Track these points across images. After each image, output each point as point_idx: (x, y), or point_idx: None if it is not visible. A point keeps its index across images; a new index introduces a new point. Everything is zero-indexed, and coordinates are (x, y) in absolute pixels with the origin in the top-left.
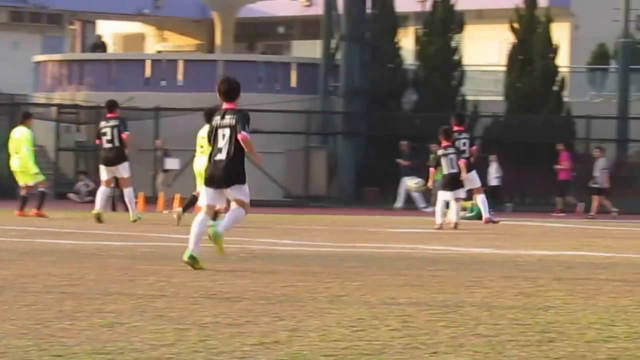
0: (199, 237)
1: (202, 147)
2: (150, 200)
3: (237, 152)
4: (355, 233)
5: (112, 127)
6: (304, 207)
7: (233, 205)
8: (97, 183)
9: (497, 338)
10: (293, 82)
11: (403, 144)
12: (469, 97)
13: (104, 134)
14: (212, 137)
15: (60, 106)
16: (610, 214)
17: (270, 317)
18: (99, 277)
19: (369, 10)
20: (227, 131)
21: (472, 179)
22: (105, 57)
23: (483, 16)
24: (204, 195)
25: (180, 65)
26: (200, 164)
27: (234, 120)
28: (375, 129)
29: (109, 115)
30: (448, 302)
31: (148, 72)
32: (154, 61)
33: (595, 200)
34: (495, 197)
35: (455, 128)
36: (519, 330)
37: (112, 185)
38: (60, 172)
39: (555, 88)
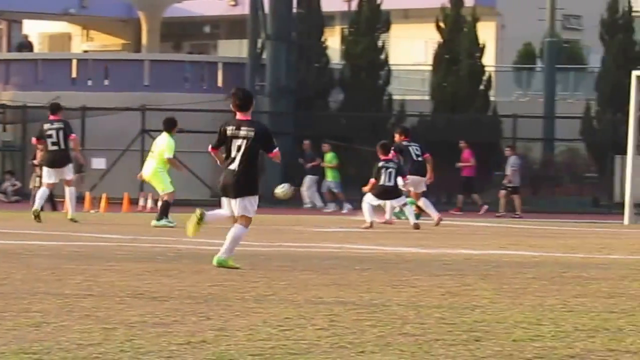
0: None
1: (152, 152)
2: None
3: (250, 163)
4: (282, 232)
5: (58, 129)
6: None
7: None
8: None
9: (424, 337)
10: (219, 81)
11: (305, 143)
12: (395, 97)
13: (49, 136)
14: (225, 146)
15: None
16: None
17: (197, 317)
18: (25, 277)
19: (295, 10)
20: (243, 142)
21: (417, 183)
22: (31, 57)
23: (409, 15)
24: (225, 205)
25: (107, 64)
26: (148, 168)
27: (252, 133)
28: (302, 129)
29: (52, 117)
30: (375, 301)
31: (74, 71)
32: (80, 61)
33: (516, 200)
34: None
35: (401, 138)
36: (446, 329)
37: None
38: None
39: (481, 87)
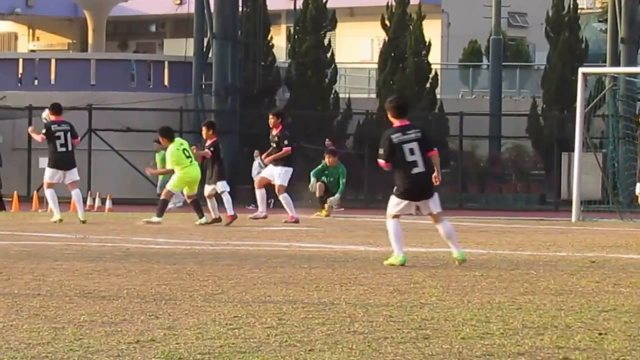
0: (401, 239)
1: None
2: (25, 200)
3: (429, 163)
4: (230, 231)
5: (65, 131)
6: None
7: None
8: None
9: (372, 335)
10: (166, 80)
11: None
12: (341, 95)
13: (58, 137)
14: (397, 153)
15: None
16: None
17: (146, 316)
18: None
19: (240, 9)
20: (416, 145)
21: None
22: None
23: (355, 13)
24: (396, 205)
25: (53, 64)
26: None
27: (419, 134)
28: (248, 127)
29: (58, 118)
30: (323, 299)
31: (21, 71)
32: (26, 60)
33: None
34: None
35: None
36: (395, 327)
37: None
38: None
39: (427, 85)
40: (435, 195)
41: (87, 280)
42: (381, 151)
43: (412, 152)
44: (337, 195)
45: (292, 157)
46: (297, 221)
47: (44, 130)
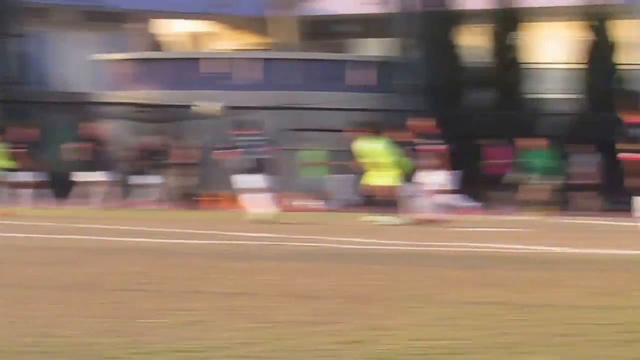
0: None
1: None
2: None
3: None
4: (425, 232)
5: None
6: None
7: None
8: None
9: (581, 337)
10: (359, 80)
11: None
12: (538, 95)
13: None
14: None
15: (125, 104)
16: None
17: (352, 316)
18: (177, 275)
19: (432, 8)
20: None
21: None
22: (170, 56)
23: (548, 13)
24: None
25: (245, 63)
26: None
27: None
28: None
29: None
30: (527, 301)
31: (207, 70)
32: (220, 59)
33: None
34: None
35: None
36: (608, 330)
37: None
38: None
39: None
40: None
41: (292, 279)
42: None
43: None
44: None
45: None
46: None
47: None
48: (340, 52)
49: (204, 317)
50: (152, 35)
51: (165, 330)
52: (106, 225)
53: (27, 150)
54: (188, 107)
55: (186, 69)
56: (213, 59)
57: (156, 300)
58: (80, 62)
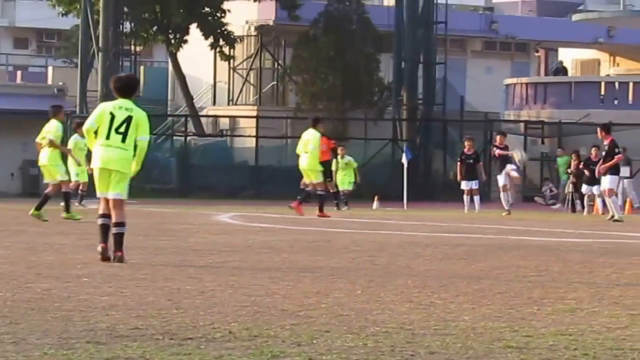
0: None
1: None
2: None
3: None
4: None
5: None
6: None
7: None
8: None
9: None
10: None
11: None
12: None
13: None
14: None
15: (527, 122)
16: None
17: None
18: (561, 269)
19: None
20: None
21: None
22: (565, 80)
23: None
24: None
25: (631, 86)
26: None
27: None
28: None
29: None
30: None
31: (602, 92)
32: (607, 83)
33: None
34: None
35: None
36: None
37: None
38: (528, 179)
39: None
40: None
41: None
42: None
43: None
44: None
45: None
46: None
47: None
48: None
49: (584, 306)
50: (555, 62)
51: (551, 316)
52: (494, 225)
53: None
54: (575, 123)
55: (576, 91)
56: (599, 82)
57: (542, 291)
58: (491, 85)
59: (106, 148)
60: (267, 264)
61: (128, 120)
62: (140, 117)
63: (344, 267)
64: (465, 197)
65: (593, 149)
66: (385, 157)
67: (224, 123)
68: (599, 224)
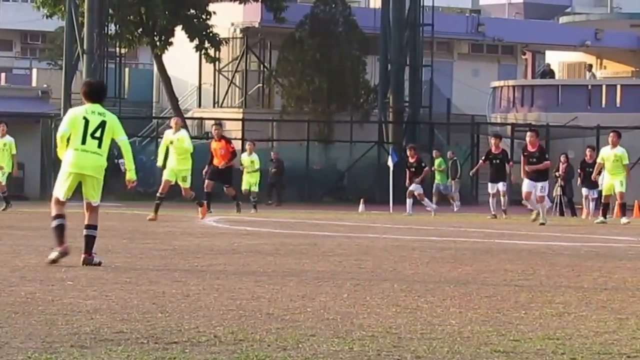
0: None
1: None
2: None
3: None
4: None
5: None
6: None
7: None
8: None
9: None
10: None
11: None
12: None
13: None
14: None
15: (514, 125)
16: None
17: None
18: (549, 273)
19: None
20: None
21: None
22: (552, 83)
23: None
24: None
25: (619, 89)
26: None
27: None
28: None
29: None
30: None
31: (589, 95)
32: (594, 86)
33: None
34: None
35: None
36: None
37: None
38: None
39: None
40: None
41: None
42: None
43: None
44: None
45: None
46: None
47: None
48: None
49: (571, 310)
50: (542, 65)
51: (538, 320)
52: (480, 229)
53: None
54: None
55: (564, 94)
56: (586, 86)
57: (530, 295)
58: (478, 88)
59: (82, 153)
60: (253, 268)
61: (102, 125)
62: (113, 120)
63: (330, 270)
64: (491, 200)
65: (588, 150)
66: (371, 160)
67: (210, 125)
68: (586, 227)
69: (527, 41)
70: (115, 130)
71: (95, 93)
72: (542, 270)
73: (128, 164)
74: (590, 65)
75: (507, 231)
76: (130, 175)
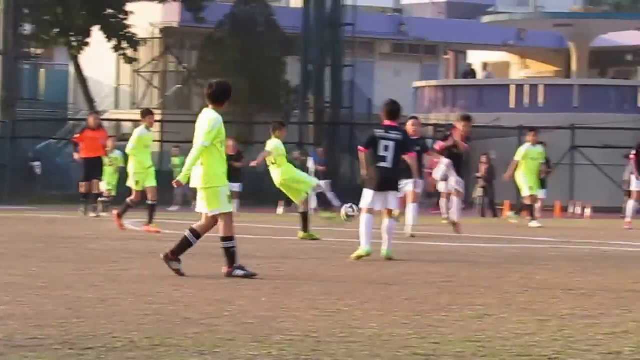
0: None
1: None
2: None
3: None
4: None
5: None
6: None
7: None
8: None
9: None
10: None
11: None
12: None
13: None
14: None
15: (436, 125)
16: None
17: (621, 310)
18: (470, 275)
19: None
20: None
21: None
22: (475, 83)
23: None
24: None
25: (541, 89)
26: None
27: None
28: None
29: None
30: None
31: (512, 95)
32: (517, 86)
33: None
34: None
35: None
36: None
37: None
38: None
39: None
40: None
41: (568, 278)
42: None
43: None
44: None
45: None
46: None
47: None
48: (627, 78)
49: (492, 312)
50: (464, 65)
51: (459, 323)
52: (401, 231)
53: None
54: (485, 127)
55: (486, 94)
56: (509, 85)
57: (451, 297)
58: (400, 88)
59: None
60: (170, 272)
61: None
62: None
63: None
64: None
65: None
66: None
67: (127, 127)
68: (508, 229)
69: (450, 41)
70: None
71: None
72: (463, 272)
73: None
74: (485, 64)
75: (429, 232)
76: None
